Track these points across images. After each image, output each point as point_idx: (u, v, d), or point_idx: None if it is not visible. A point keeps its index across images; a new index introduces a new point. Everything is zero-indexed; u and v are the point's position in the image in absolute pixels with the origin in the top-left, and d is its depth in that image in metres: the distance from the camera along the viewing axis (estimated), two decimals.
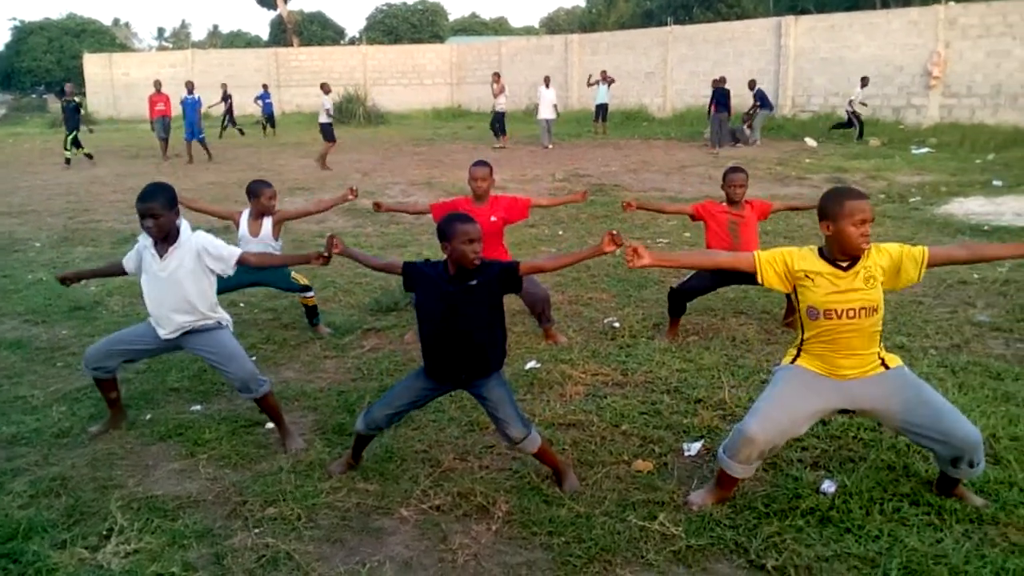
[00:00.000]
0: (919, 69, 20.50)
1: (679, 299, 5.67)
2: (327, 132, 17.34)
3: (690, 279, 5.69)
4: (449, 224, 3.36)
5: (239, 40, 68.90)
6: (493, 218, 5.53)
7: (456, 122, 29.75)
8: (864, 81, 19.10)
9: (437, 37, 54.17)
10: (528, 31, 63.77)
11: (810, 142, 18.92)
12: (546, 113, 19.81)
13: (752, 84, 19.92)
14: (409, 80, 34.73)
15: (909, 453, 3.79)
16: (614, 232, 3.30)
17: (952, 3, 20.73)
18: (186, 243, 3.98)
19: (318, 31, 57.15)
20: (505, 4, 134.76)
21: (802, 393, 3.28)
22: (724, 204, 5.76)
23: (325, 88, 18.13)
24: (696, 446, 3.96)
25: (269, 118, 25.14)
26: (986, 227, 9.17)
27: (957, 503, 3.31)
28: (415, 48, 37.62)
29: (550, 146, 19.24)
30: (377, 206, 5.95)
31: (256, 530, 3.28)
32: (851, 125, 19.21)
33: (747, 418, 3.30)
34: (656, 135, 22.09)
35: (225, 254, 4.05)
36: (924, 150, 16.26)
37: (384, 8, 59.43)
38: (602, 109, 22.65)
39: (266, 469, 3.83)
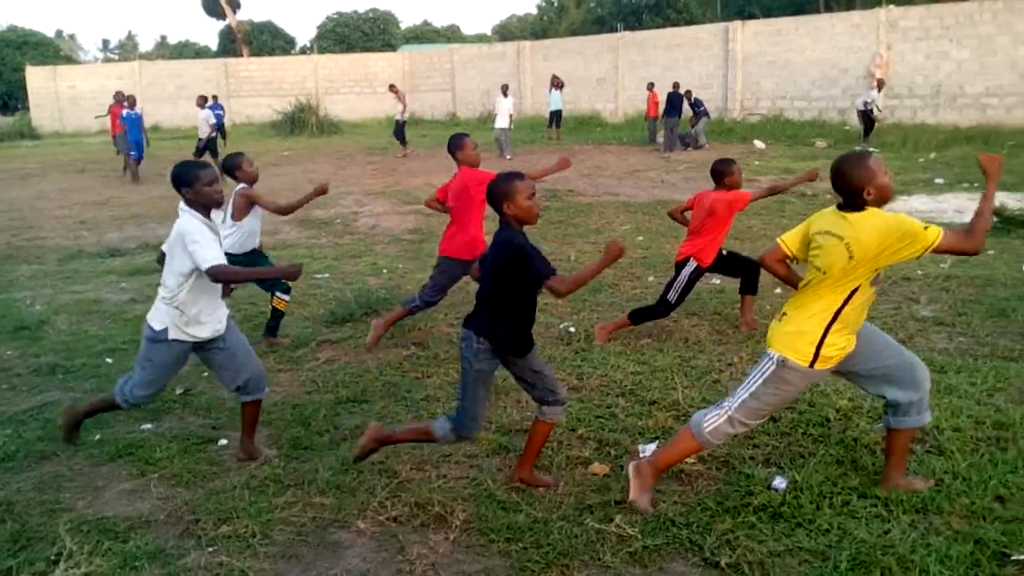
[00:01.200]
0: (863, 71, 21.00)
1: (671, 309, 5.80)
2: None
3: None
4: (509, 182, 3.38)
5: (188, 50, 67.86)
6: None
7: (410, 130, 29.59)
8: (880, 84, 19.04)
9: (389, 45, 53.99)
10: (480, 38, 63.87)
11: (759, 144, 19.27)
12: (502, 122, 19.27)
13: (688, 95, 20.10)
14: (362, 89, 34.56)
15: (857, 448, 3.89)
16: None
17: (892, 7, 21.29)
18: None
19: (268, 40, 56.58)
20: (457, 12, 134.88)
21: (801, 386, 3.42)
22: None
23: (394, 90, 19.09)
24: (651, 447, 4.00)
25: (219, 129, 24.77)
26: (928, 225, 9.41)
27: (903, 495, 3.39)
28: (367, 56, 37.45)
29: (509, 156, 18.55)
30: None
31: (210, 549, 3.23)
32: (869, 128, 18.75)
33: (743, 416, 3.37)
34: (609, 140, 22.28)
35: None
36: (871, 150, 16.62)
37: (335, 17, 59.09)
38: (556, 115, 22.80)
39: (219, 486, 3.78)
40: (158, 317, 3.83)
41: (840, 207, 3.31)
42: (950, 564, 2.93)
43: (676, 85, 20.08)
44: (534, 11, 61.74)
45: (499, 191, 3.38)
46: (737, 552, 3.07)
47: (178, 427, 4.52)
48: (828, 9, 27.68)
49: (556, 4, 55.09)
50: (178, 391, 5.02)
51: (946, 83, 19.76)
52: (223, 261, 3.71)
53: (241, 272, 4.59)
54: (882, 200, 3.26)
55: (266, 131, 28.09)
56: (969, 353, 5.18)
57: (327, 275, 8.16)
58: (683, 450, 3.48)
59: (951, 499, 3.37)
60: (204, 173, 3.80)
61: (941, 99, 19.86)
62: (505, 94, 19.48)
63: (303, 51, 57.33)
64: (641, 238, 9.36)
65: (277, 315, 5.95)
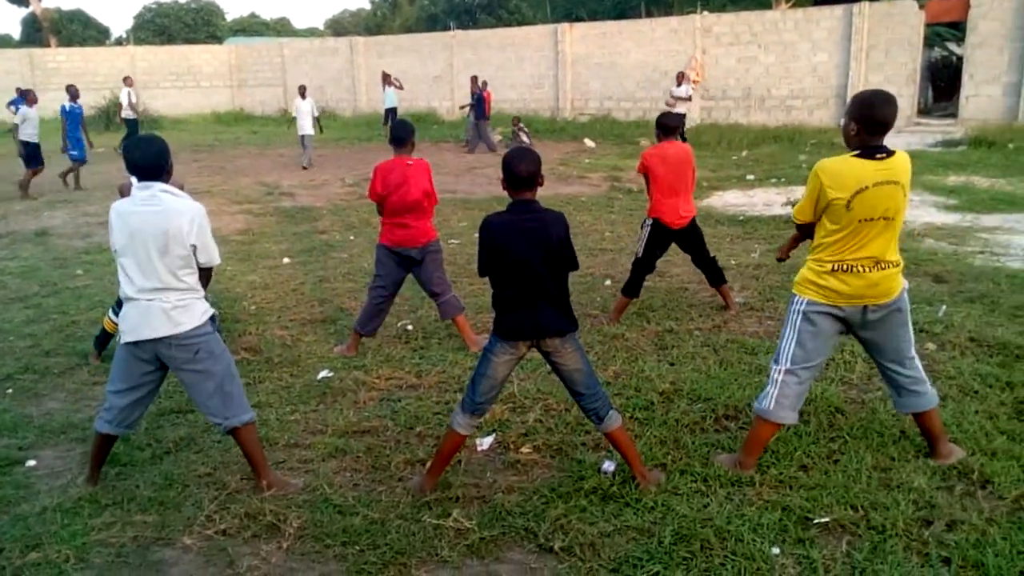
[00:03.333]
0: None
1: (642, 270, 5.91)
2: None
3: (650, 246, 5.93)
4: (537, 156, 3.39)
5: None
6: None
7: (239, 126, 28.44)
8: (680, 77, 18.97)
9: (214, 38, 51.45)
10: (312, 33, 62.23)
11: (589, 143, 19.97)
12: (306, 127, 16.72)
13: (482, 84, 20.48)
14: (184, 83, 32.74)
15: (679, 428, 4.12)
16: None
17: (707, 13, 22.67)
18: None
19: (79, 30, 52.37)
20: (287, 5, 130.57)
21: None
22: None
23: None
24: (488, 440, 4.07)
25: None
26: (741, 217, 10.14)
27: (720, 470, 3.63)
28: (189, 49, 35.49)
29: (307, 165, 16.42)
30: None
31: None
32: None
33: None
34: (446, 138, 22.35)
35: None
36: None
37: (153, 7, 55.62)
38: (391, 112, 22.59)
39: (27, 511, 3.48)
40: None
41: (865, 154, 3.33)
42: (761, 532, 3.17)
43: (484, 84, 20.40)
44: (367, 6, 60.89)
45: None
46: (569, 535, 3.19)
47: None
48: (649, 14, 29.06)
49: (389, 0, 54.58)
50: None
51: (755, 86, 21.27)
52: None
53: None
54: None
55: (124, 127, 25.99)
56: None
57: None
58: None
59: (761, 471, 3.65)
60: None
61: (751, 101, 21.36)
62: (303, 95, 17.05)
63: (118, 42, 53.57)
64: (478, 235, 9.46)
65: (109, 334, 5.48)
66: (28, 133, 13.47)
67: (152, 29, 53.30)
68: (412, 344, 5.69)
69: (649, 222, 5.93)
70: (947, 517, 3.23)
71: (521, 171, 3.34)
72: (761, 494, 3.48)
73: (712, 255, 6.17)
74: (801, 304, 3.55)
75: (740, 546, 3.07)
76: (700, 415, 4.28)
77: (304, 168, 16.28)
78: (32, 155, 13.45)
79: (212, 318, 3.52)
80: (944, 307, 5.94)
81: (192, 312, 3.42)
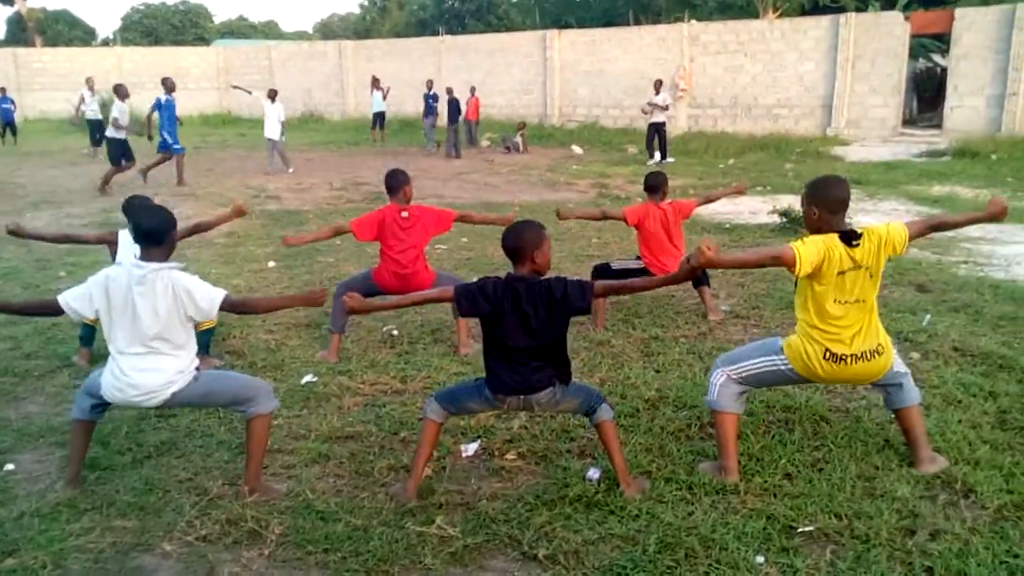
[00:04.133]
0: (669, 82, 22.30)
1: (604, 275, 5.98)
2: (116, 150, 13.88)
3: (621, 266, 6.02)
4: (540, 232, 3.44)
5: None
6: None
7: (226, 128, 28.33)
8: (658, 85, 18.76)
9: (202, 40, 51.28)
10: (301, 36, 62.08)
11: (576, 150, 20.01)
12: (271, 131, 16.38)
13: (447, 90, 20.65)
14: None
15: (664, 435, 4.12)
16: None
17: (695, 21, 22.79)
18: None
19: (65, 31, 52.09)
20: (276, 8, 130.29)
21: None
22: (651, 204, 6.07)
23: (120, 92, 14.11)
24: (473, 446, 4.05)
25: (8, 124, 22.53)
26: (727, 225, 10.18)
27: (705, 477, 3.63)
28: (177, 51, 35.38)
29: (270, 170, 16.20)
30: (286, 242, 5.63)
31: None
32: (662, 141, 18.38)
33: None
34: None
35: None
36: (670, 160, 17.61)
37: (141, 8, 55.40)
38: (379, 117, 22.56)
39: (4, 516, 3.43)
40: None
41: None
42: (746, 540, 3.16)
43: (449, 91, 20.50)
44: (356, 10, 60.72)
45: None
46: (554, 543, 3.17)
47: None
48: (637, 22, 29.18)
49: (379, 5, 54.57)
50: None
51: (742, 95, 21.39)
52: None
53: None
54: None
55: (63, 128, 25.82)
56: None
57: None
58: None
59: (746, 479, 3.64)
60: None
61: (738, 109, 21.48)
62: (272, 99, 16.74)
63: (105, 43, 53.25)
64: (465, 239, 9.45)
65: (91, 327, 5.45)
66: (117, 127, 13.78)
67: (139, 30, 53.11)
68: (397, 349, 5.66)
69: (640, 265, 6.05)
70: (930, 527, 3.24)
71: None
72: (746, 502, 3.47)
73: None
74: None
75: (725, 555, 3.06)
76: (685, 422, 4.27)
77: (267, 174, 15.92)
78: (118, 151, 13.82)
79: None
80: (928, 316, 5.98)
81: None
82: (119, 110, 13.83)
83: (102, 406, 3.62)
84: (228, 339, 5.84)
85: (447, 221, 5.59)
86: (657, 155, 17.44)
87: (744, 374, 3.70)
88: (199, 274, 7.70)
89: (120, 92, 13.96)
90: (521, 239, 3.43)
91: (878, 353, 3.59)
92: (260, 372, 5.17)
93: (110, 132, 14.01)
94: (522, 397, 3.47)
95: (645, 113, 17.90)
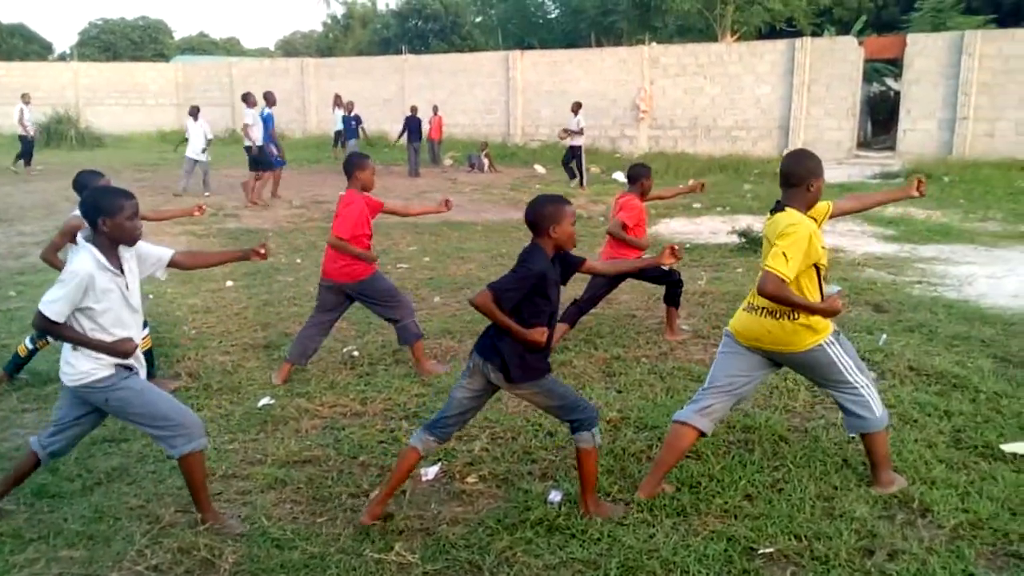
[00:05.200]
0: (630, 103, 22.58)
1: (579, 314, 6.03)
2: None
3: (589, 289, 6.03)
4: (560, 206, 3.36)
5: None
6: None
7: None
8: (576, 107, 19.15)
9: (161, 56, 50.64)
10: (263, 53, 61.57)
11: (539, 169, 20.11)
12: (194, 150, 15.65)
13: (411, 108, 20.69)
14: (130, 100, 32.10)
15: (625, 457, 4.11)
16: (675, 246, 3.55)
17: (655, 44, 23.10)
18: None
19: (20, 45, 51.11)
20: (238, 25, 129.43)
21: None
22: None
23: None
24: (433, 470, 4.00)
25: None
26: (688, 245, 10.27)
27: (667, 499, 3.62)
28: (135, 66, 34.87)
29: (181, 192, 15.31)
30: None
31: None
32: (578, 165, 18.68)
33: None
34: (397, 161, 22.26)
35: (157, 252, 3.59)
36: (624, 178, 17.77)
37: (99, 23, 54.58)
38: (340, 135, 22.45)
39: None
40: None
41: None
42: (707, 563, 3.16)
43: (413, 109, 20.52)
44: (319, 28, 60.50)
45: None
46: (515, 568, 3.13)
47: None
48: (599, 44, 29.52)
49: (342, 23, 54.48)
50: None
51: (701, 116, 21.71)
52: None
53: (203, 256, 4.43)
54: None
55: (17, 143, 25.24)
56: None
57: None
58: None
59: (706, 500, 3.64)
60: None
61: (698, 131, 21.78)
62: (195, 116, 16.08)
63: (62, 58, 52.35)
64: (427, 259, 9.41)
65: (20, 359, 5.31)
66: (254, 136, 14.09)
67: (97, 45, 52.31)
68: (358, 370, 5.58)
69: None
70: (888, 547, 3.26)
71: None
72: (707, 524, 3.47)
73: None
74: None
75: None
76: (647, 443, 4.27)
77: (176, 195, 15.11)
78: (258, 159, 14.18)
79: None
80: (884, 336, 6.07)
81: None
82: (253, 117, 14.31)
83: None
84: (183, 361, 5.71)
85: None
86: (576, 181, 16.94)
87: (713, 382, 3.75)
88: (153, 294, 7.60)
89: (249, 101, 14.56)
90: (538, 213, 3.38)
91: (770, 315, 3.55)
92: (216, 395, 5.07)
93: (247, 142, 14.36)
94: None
95: (561, 138, 17.95)
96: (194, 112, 16.33)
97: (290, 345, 5.53)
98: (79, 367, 3.26)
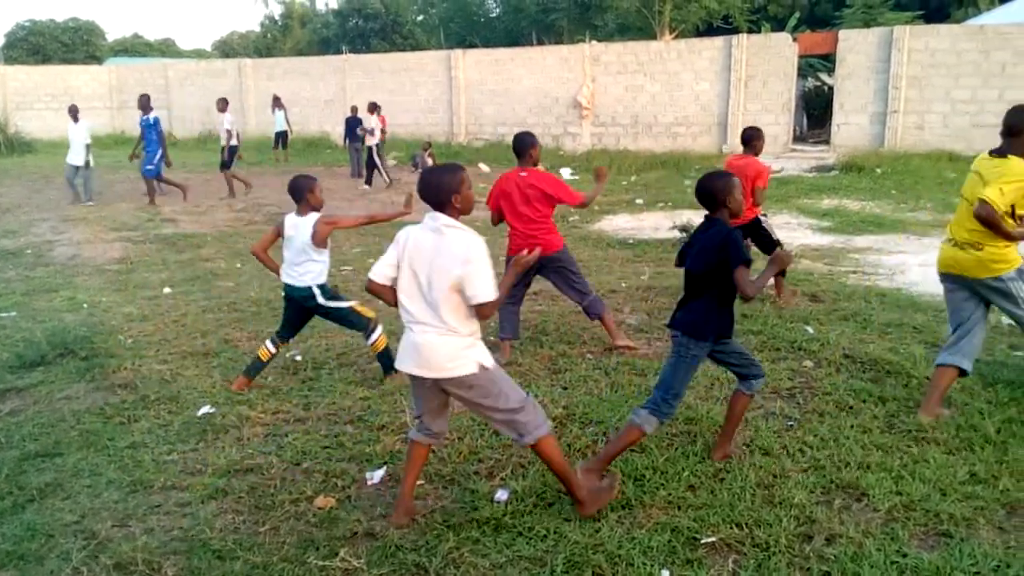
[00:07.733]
0: (572, 101, 22.71)
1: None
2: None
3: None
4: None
5: None
6: None
7: (119, 149, 27.09)
8: (354, 111, 19.09)
9: (94, 58, 49.21)
10: (200, 54, 60.24)
11: (484, 168, 20.09)
12: (76, 157, 14.49)
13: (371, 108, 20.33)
14: (61, 104, 31.03)
15: (571, 453, 4.13)
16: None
17: (595, 42, 23.27)
18: None
19: None
20: (173, 26, 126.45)
21: None
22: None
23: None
24: (379, 473, 3.97)
25: None
26: (631, 240, 10.38)
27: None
28: (67, 69, 33.81)
29: (90, 202, 14.43)
30: None
31: None
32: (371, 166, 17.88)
33: None
34: (339, 162, 22.02)
35: None
36: (570, 175, 17.85)
37: (27, 25, 52.76)
38: (281, 136, 22.11)
39: None
40: None
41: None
42: (651, 554, 3.20)
43: (354, 109, 20.26)
44: (257, 28, 59.49)
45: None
46: (461, 569, 3.13)
47: None
48: (540, 43, 29.65)
49: (280, 23, 53.66)
50: None
51: (642, 113, 21.94)
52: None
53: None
54: None
55: None
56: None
57: (14, 313, 7.19)
58: None
59: (650, 493, 3.69)
60: None
61: (639, 127, 22.01)
62: (76, 118, 14.64)
63: None
64: (371, 260, 9.30)
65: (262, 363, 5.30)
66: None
67: (25, 48, 50.58)
68: (301, 375, 5.51)
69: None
70: (826, 531, 3.35)
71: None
72: (651, 516, 3.51)
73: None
74: None
75: (631, 570, 3.08)
76: (592, 438, 4.30)
77: (71, 203, 14.32)
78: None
79: None
80: (809, 329, 6.21)
81: None
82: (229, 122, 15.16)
83: None
84: (118, 371, 5.56)
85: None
86: (364, 182, 17.20)
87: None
88: (88, 303, 7.38)
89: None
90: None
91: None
92: (153, 405, 4.95)
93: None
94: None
95: (359, 134, 18.09)
96: (73, 111, 14.78)
97: (499, 326, 5.76)
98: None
